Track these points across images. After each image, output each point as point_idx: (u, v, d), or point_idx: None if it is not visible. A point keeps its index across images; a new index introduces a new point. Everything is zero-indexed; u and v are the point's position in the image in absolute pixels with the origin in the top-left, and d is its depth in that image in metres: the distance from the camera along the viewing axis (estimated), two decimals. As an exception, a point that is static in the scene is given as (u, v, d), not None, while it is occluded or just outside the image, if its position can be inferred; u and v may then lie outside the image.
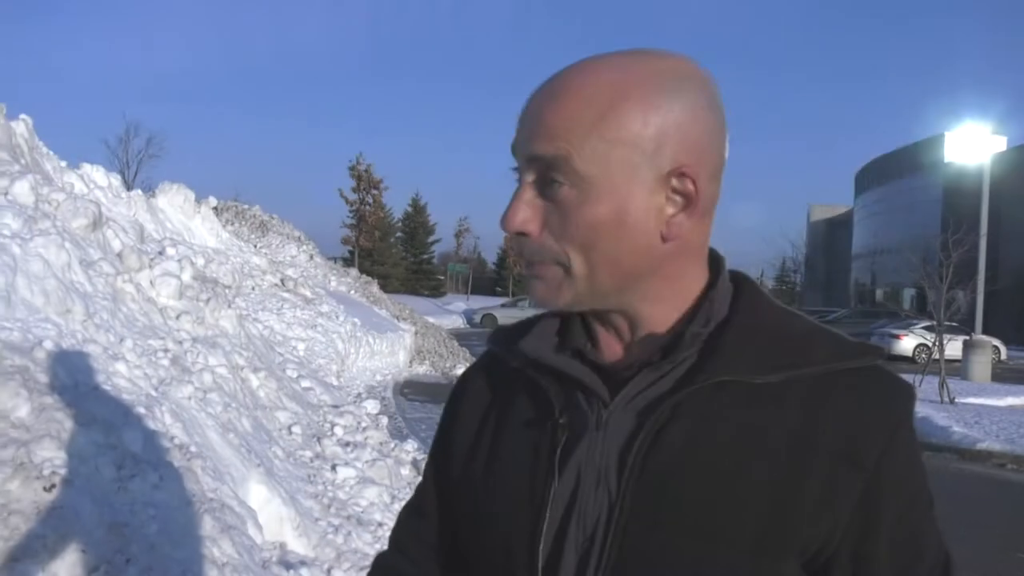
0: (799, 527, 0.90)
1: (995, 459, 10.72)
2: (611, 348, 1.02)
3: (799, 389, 0.93)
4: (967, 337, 21.25)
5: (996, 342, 28.13)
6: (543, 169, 0.93)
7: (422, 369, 17.91)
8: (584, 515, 0.95)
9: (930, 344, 17.65)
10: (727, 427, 0.92)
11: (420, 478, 1.24)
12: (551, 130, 0.91)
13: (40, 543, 2.88)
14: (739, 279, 1.04)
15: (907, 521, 0.94)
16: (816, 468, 0.90)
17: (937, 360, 15.67)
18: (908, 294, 49.51)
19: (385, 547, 1.25)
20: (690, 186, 0.92)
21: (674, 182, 0.92)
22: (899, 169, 59.90)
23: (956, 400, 14.85)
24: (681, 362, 0.96)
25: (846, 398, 0.93)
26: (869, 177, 65.71)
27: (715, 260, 1.04)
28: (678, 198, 0.93)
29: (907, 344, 26.32)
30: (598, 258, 0.93)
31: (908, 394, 0.96)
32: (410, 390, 15.13)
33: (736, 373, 0.93)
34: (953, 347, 19.72)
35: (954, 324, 18.10)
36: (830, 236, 77.58)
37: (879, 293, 59.05)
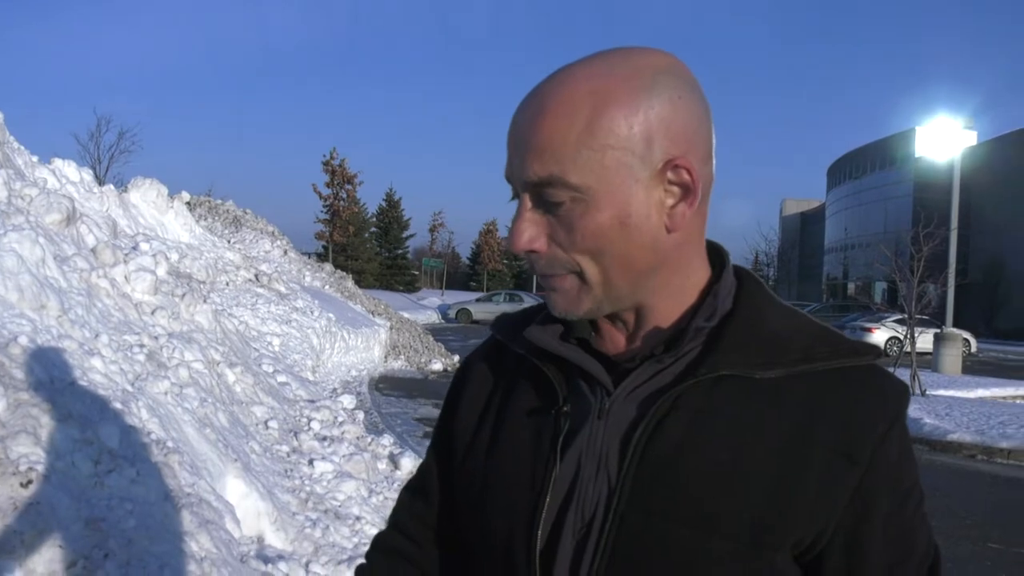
0: (794, 520, 0.92)
1: (965, 450, 10.88)
2: (614, 339, 1.04)
3: (797, 385, 0.95)
4: (938, 330, 21.45)
5: (967, 335, 28.49)
6: (540, 189, 0.94)
7: (397, 364, 17.92)
8: (583, 501, 0.97)
9: (901, 337, 17.76)
10: (726, 420, 0.94)
11: (397, 471, 1.27)
12: (541, 153, 0.92)
13: (17, 539, 2.87)
14: (742, 274, 1.06)
15: (899, 516, 0.96)
16: (812, 463, 0.93)
17: (908, 353, 15.82)
18: (880, 287, 49.99)
19: (365, 540, 1.26)
20: (685, 176, 0.93)
21: (669, 174, 0.93)
22: (871, 163, 60.39)
23: (927, 392, 15.00)
24: (684, 355, 0.98)
25: (843, 396, 0.95)
26: (841, 171, 66.16)
27: (718, 254, 1.06)
28: (676, 188, 0.94)
29: (879, 337, 26.54)
30: (609, 262, 0.95)
31: (902, 393, 0.99)
32: (385, 385, 15.13)
33: (736, 368, 0.95)
34: (924, 340, 19.96)
35: (925, 317, 18.21)
36: (803, 230, 78.17)
37: (851, 286, 59.49)
